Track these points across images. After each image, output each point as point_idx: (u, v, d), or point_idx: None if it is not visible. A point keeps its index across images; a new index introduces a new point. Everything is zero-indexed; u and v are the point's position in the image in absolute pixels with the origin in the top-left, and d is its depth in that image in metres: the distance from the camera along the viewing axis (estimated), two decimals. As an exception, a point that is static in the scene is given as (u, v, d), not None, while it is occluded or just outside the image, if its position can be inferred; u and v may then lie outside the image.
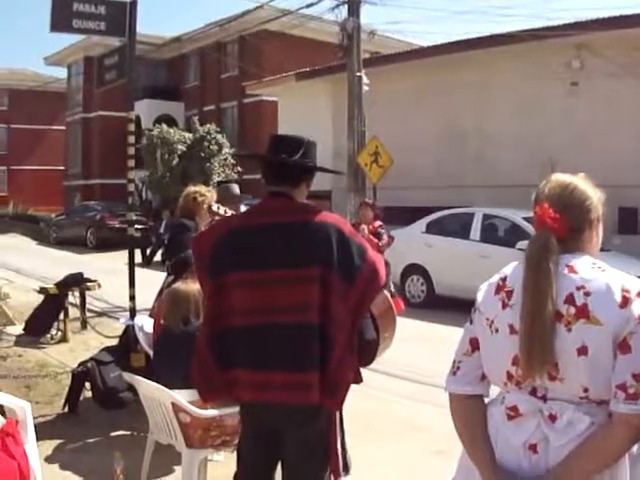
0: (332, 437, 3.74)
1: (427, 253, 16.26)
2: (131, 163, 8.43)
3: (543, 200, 2.56)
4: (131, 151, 8.41)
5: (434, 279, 16.01)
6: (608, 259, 2.68)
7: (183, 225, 7.25)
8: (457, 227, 16.28)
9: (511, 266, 2.64)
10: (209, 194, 7.18)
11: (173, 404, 4.72)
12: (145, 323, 6.86)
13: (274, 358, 3.55)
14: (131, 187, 8.33)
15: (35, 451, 4.84)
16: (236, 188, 7.77)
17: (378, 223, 11.49)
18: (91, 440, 6.76)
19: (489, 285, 2.66)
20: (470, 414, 2.67)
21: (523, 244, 11.10)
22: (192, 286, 5.76)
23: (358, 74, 19.23)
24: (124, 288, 13.43)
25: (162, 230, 24.96)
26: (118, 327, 11.48)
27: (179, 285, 6.12)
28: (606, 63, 18.38)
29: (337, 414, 3.81)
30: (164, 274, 7.69)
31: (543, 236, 2.49)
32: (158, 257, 24.72)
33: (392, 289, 11.35)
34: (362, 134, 19.45)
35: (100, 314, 13.77)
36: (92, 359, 7.56)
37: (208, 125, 31.07)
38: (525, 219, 14.22)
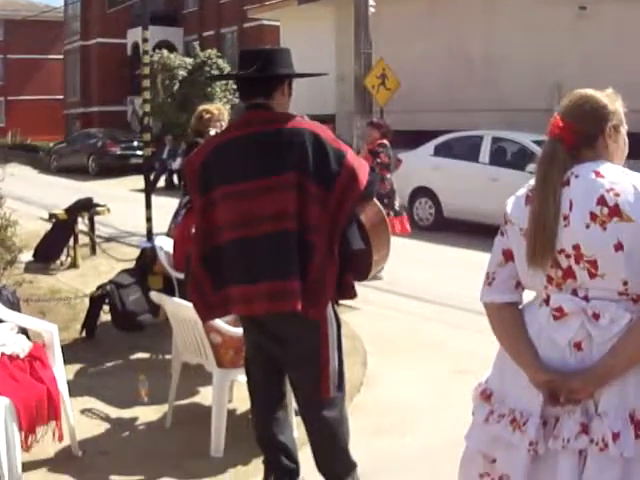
0: (324, 351, 3.72)
1: (435, 176, 16.06)
2: (146, 83, 8.33)
3: (558, 112, 2.72)
4: (146, 71, 8.30)
5: (442, 202, 15.85)
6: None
7: (197, 144, 7.13)
8: (466, 150, 16.04)
9: None
10: (216, 111, 7.03)
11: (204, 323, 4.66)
12: (165, 244, 6.80)
13: (257, 269, 3.56)
14: (147, 107, 8.23)
15: (63, 374, 4.80)
16: None
17: (379, 142, 11.03)
18: (111, 364, 6.76)
19: (517, 197, 2.75)
20: (509, 320, 2.75)
21: (533, 167, 10.93)
22: None
23: (364, -5, 18.89)
24: (129, 214, 13.51)
25: (165, 156, 24.93)
26: (128, 252, 11.47)
27: None
28: (615, -14, 18.03)
29: (333, 329, 3.77)
30: (169, 199, 7.58)
31: (550, 144, 2.68)
32: (161, 183, 24.66)
33: (397, 208, 11.11)
34: (368, 57, 19.15)
35: (108, 239, 13.72)
36: (111, 282, 7.46)
37: (209, 50, 30.70)
38: (534, 142, 14.01)
